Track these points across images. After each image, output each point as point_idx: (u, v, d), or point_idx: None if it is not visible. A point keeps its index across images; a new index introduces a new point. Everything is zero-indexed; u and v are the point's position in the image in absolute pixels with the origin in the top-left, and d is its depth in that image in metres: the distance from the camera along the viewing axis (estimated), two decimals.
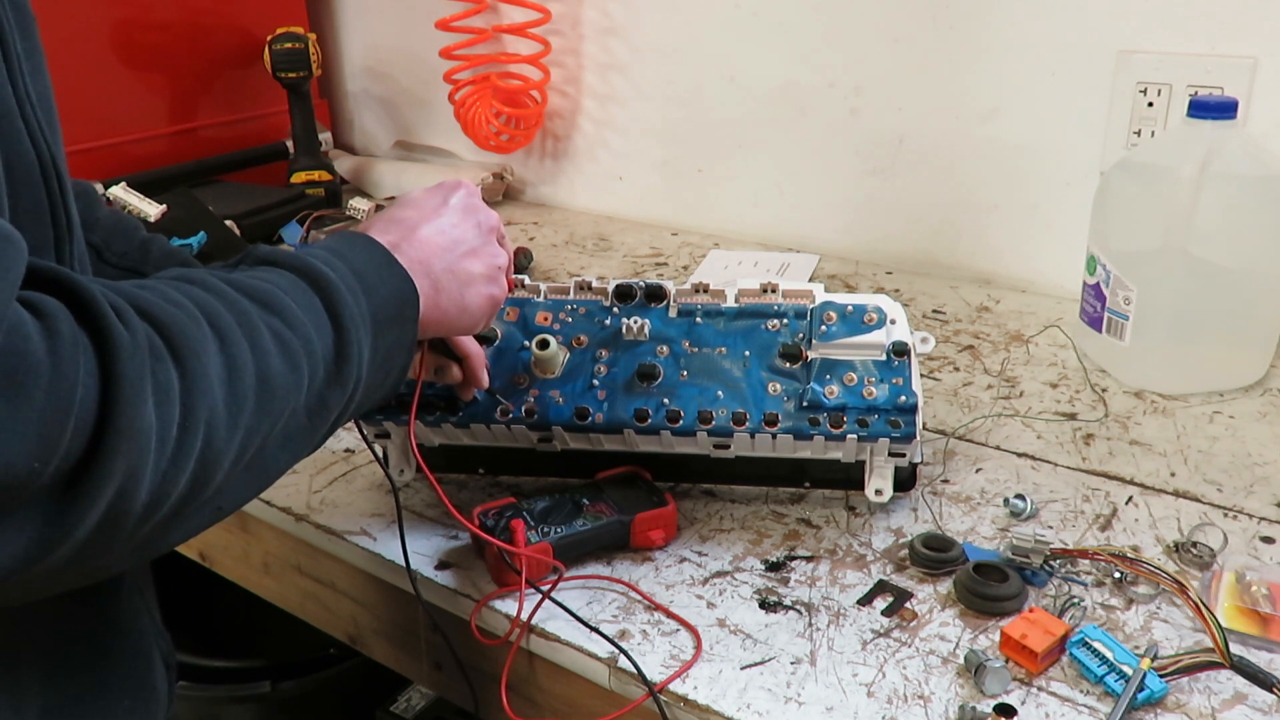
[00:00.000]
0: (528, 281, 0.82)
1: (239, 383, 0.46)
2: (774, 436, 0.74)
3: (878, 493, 0.78)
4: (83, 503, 0.40)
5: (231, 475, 0.47)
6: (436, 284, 0.63)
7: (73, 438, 0.39)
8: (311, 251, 0.56)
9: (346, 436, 0.95)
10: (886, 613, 0.70)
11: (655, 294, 0.80)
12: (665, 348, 0.78)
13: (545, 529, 0.73)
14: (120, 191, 1.33)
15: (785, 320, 0.78)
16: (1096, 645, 0.63)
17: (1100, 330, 1.04)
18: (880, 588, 0.72)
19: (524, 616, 0.69)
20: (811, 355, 0.76)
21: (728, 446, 0.77)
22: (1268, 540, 0.77)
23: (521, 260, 1.37)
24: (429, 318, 0.63)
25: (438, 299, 0.63)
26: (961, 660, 0.65)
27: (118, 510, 0.41)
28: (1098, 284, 1.03)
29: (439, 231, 0.65)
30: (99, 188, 1.32)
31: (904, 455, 0.77)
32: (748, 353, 0.77)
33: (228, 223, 1.41)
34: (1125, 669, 0.61)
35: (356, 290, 0.56)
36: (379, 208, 1.54)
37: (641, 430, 0.76)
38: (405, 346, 0.61)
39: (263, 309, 0.50)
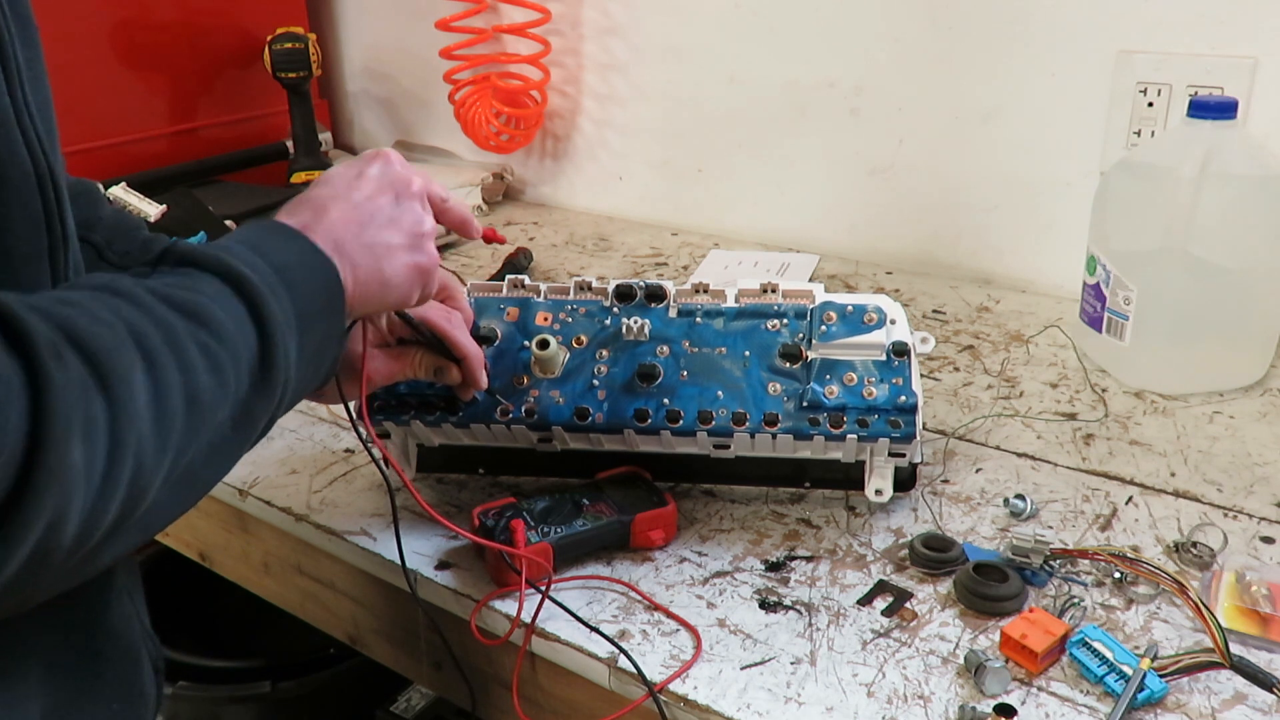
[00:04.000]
0: (528, 281, 0.82)
1: (167, 404, 0.46)
2: (774, 436, 0.74)
3: (878, 493, 0.78)
4: (9, 543, 0.39)
5: (160, 495, 0.47)
6: (352, 261, 0.61)
7: None
8: (231, 249, 0.55)
9: (347, 437, 0.95)
10: (886, 613, 0.70)
11: (655, 294, 0.80)
12: (665, 348, 0.78)
13: (545, 529, 0.73)
14: (120, 191, 1.33)
15: (785, 320, 0.78)
16: (1096, 645, 0.63)
17: (1100, 330, 1.04)
18: (880, 588, 0.72)
19: (525, 617, 0.69)
20: (811, 355, 0.76)
21: (728, 446, 0.77)
22: (1268, 540, 0.77)
23: (521, 260, 1.37)
24: (352, 297, 0.61)
25: (356, 276, 0.62)
26: (961, 660, 0.65)
27: (46, 547, 0.41)
28: (1098, 284, 1.03)
29: (351, 207, 0.63)
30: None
31: (904, 455, 0.77)
32: (748, 353, 0.77)
33: (228, 223, 1.41)
34: (1125, 669, 0.61)
35: (279, 289, 0.55)
36: None
37: (641, 430, 0.76)
38: (335, 336, 0.60)
39: (189, 321, 0.49)
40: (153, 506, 0.46)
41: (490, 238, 0.80)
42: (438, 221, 0.70)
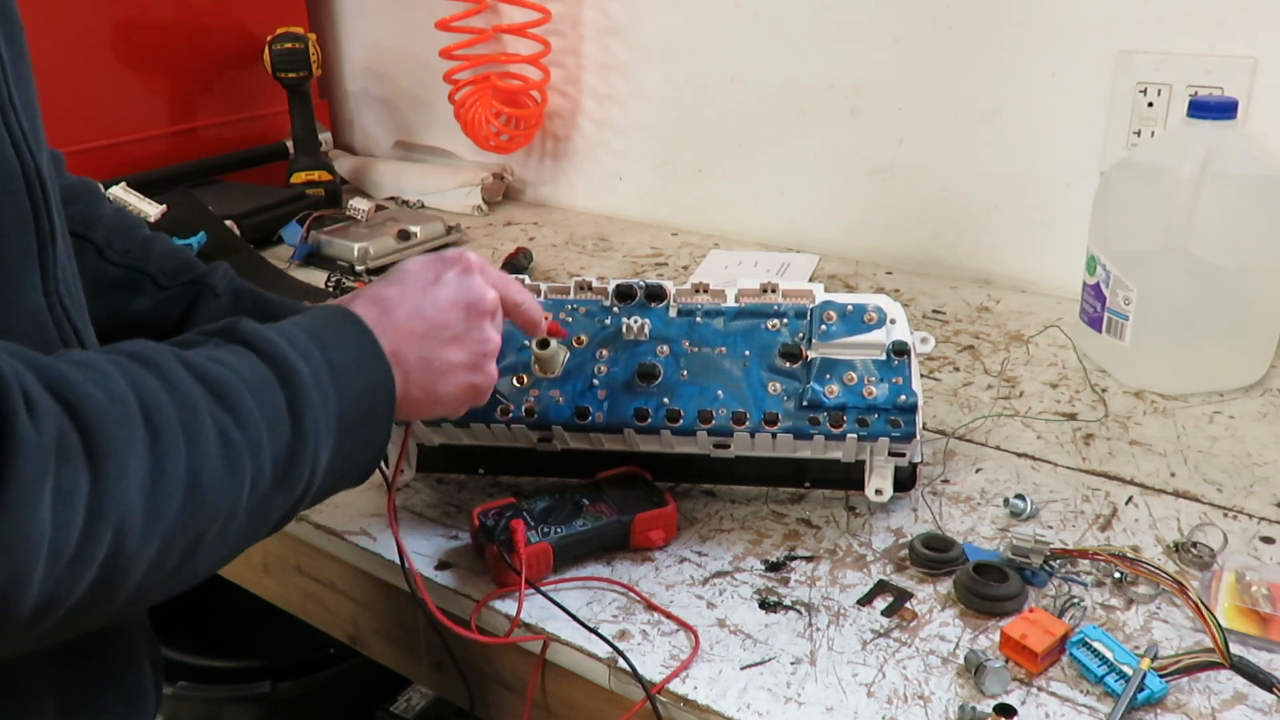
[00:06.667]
0: (528, 281, 0.82)
1: (163, 485, 0.43)
2: (774, 436, 0.74)
3: (878, 493, 0.78)
4: None
5: (146, 577, 0.44)
6: (407, 374, 0.59)
7: None
8: (293, 336, 0.53)
9: None
10: (886, 613, 0.70)
11: (655, 294, 0.80)
12: (665, 347, 0.78)
13: (545, 529, 0.73)
14: (120, 191, 1.33)
15: (785, 320, 0.78)
16: (1096, 645, 0.63)
17: (1100, 330, 1.04)
18: (880, 588, 0.72)
19: (524, 617, 0.69)
20: (811, 355, 0.76)
21: (728, 446, 0.77)
22: (1268, 540, 0.77)
23: (521, 260, 1.37)
24: (399, 408, 0.59)
25: (407, 389, 0.60)
26: (961, 660, 0.65)
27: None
28: (1098, 284, 1.03)
29: (418, 314, 0.61)
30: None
31: (904, 455, 0.77)
32: (748, 352, 0.77)
33: (228, 223, 1.41)
34: (1125, 669, 0.61)
35: (328, 388, 0.52)
36: (379, 208, 1.54)
37: (641, 430, 0.76)
38: (375, 445, 0.58)
39: (215, 402, 0.47)
40: (136, 587, 0.44)
41: (554, 331, 0.77)
42: (507, 318, 0.68)
